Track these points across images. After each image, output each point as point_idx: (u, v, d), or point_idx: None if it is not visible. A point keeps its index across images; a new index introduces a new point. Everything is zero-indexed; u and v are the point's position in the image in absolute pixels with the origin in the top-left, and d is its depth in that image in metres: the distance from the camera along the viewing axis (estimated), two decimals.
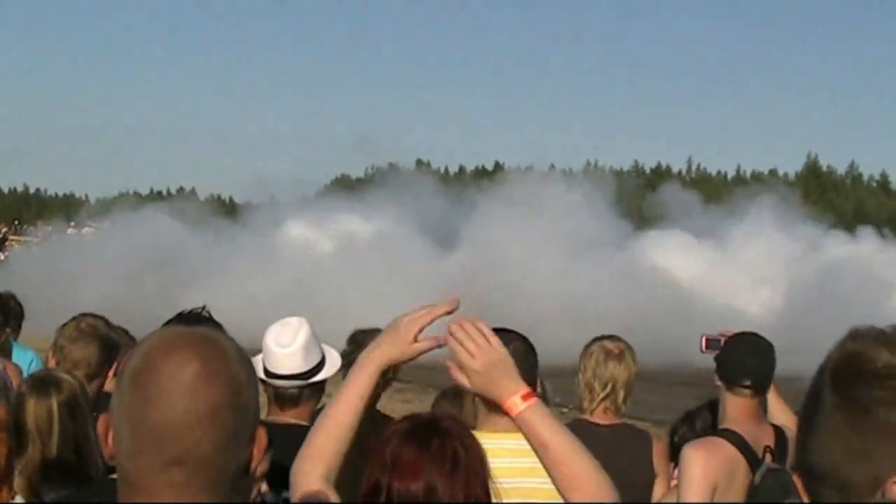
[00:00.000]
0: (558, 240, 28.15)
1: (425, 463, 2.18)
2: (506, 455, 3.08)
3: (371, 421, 4.07)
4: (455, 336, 2.22)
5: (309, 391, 3.52)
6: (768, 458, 3.65)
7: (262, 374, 3.47)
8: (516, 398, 2.24)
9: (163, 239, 29.89)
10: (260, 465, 1.61)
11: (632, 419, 4.64)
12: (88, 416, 3.28)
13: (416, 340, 2.23)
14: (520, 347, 3.23)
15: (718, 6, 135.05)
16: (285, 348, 3.46)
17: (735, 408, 3.80)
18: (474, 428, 2.59)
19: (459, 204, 33.05)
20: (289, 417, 3.51)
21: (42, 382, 3.31)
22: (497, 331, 3.25)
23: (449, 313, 2.23)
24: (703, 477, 3.61)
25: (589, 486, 2.16)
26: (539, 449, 2.24)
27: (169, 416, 1.50)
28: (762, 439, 3.73)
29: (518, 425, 2.29)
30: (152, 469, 1.51)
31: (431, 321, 2.22)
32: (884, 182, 77.04)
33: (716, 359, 3.89)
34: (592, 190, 33.19)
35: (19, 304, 5.98)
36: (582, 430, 4.11)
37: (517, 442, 3.19)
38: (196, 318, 3.48)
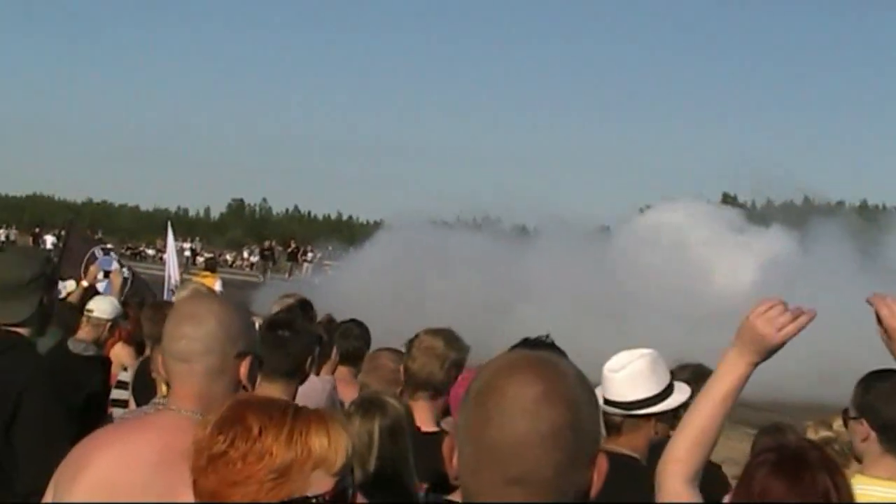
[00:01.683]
0: None
1: (795, 496, 2.16)
2: None
3: None
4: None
5: (632, 422, 3.43)
6: None
7: (601, 400, 3.43)
8: None
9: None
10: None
11: None
12: (409, 442, 3.37)
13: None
14: None
15: None
16: (614, 373, 3.43)
17: None
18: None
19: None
20: (617, 445, 3.42)
21: (369, 404, 3.43)
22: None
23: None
24: None
25: None
26: None
27: (510, 435, 1.54)
28: None
29: None
30: (493, 486, 1.56)
31: (797, 331, 2.30)
32: None
33: None
34: None
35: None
36: None
37: None
38: (539, 344, 3.56)
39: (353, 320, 5.90)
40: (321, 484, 1.78)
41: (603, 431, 1.58)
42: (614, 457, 3.31)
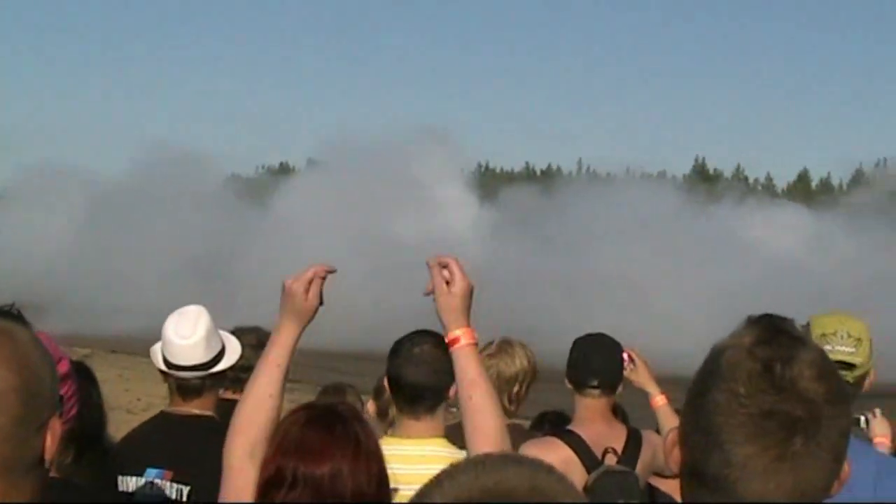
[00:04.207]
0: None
1: (331, 447, 2.25)
2: (422, 462, 3.08)
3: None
4: (442, 262, 2.53)
5: (211, 381, 3.54)
6: (609, 459, 3.68)
7: (161, 366, 3.50)
8: (463, 331, 2.52)
9: None
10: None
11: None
12: None
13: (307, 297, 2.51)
14: (429, 350, 3.24)
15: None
16: (186, 339, 3.45)
17: (583, 409, 3.82)
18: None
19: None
20: (193, 408, 3.53)
21: None
22: (415, 333, 3.31)
23: (329, 272, 2.56)
24: None
25: (495, 441, 2.41)
26: (467, 386, 2.47)
27: None
28: (611, 440, 3.75)
29: (455, 357, 2.54)
30: None
31: (313, 277, 2.53)
32: (769, 185, 79.40)
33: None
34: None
35: None
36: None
37: (434, 448, 3.22)
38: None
39: None
40: None
41: (54, 397, 1.59)
42: (194, 418, 3.47)
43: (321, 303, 2.54)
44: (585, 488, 3.54)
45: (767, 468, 1.30)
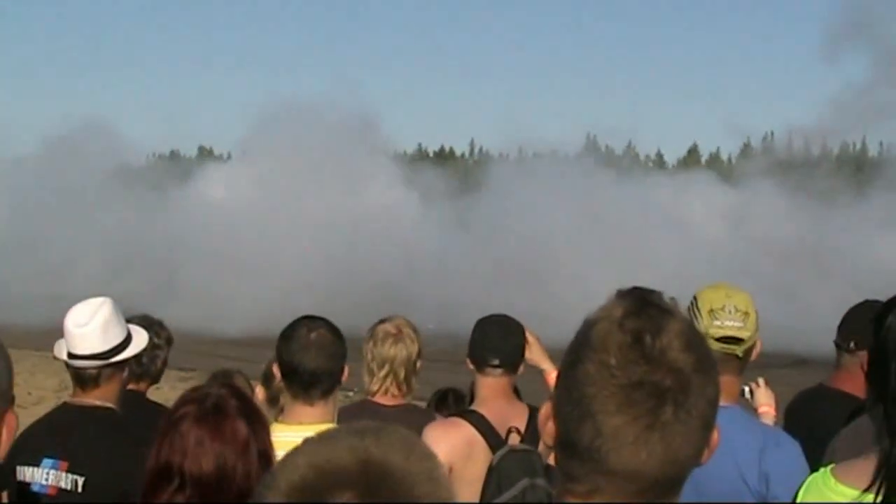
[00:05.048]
0: None
1: (218, 446, 2.22)
2: None
3: (144, 410, 4.07)
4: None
5: (109, 371, 3.52)
6: (513, 438, 3.72)
7: (63, 356, 3.50)
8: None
9: None
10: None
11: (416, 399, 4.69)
12: None
13: None
14: (325, 335, 3.26)
15: None
16: (82, 328, 3.47)
17: (485, 388, 3.84)
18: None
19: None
20: (93, 399, 3.51)
21: None
22: (307, 319, 3.33)
23: None
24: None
25: None
26: None
27: None
28: (514, 419, 3.79)
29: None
30: None
31: None
32: (659, 160, 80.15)
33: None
34: None
35: None
36: (367, 411, 4.10)
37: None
38: None
39: None
40: None
41: (10, 390, 1.54)
42: (91, 409, 3.43)
43: None
44: (491, 468, 3.58)
45: (638, 437, 1.32)
